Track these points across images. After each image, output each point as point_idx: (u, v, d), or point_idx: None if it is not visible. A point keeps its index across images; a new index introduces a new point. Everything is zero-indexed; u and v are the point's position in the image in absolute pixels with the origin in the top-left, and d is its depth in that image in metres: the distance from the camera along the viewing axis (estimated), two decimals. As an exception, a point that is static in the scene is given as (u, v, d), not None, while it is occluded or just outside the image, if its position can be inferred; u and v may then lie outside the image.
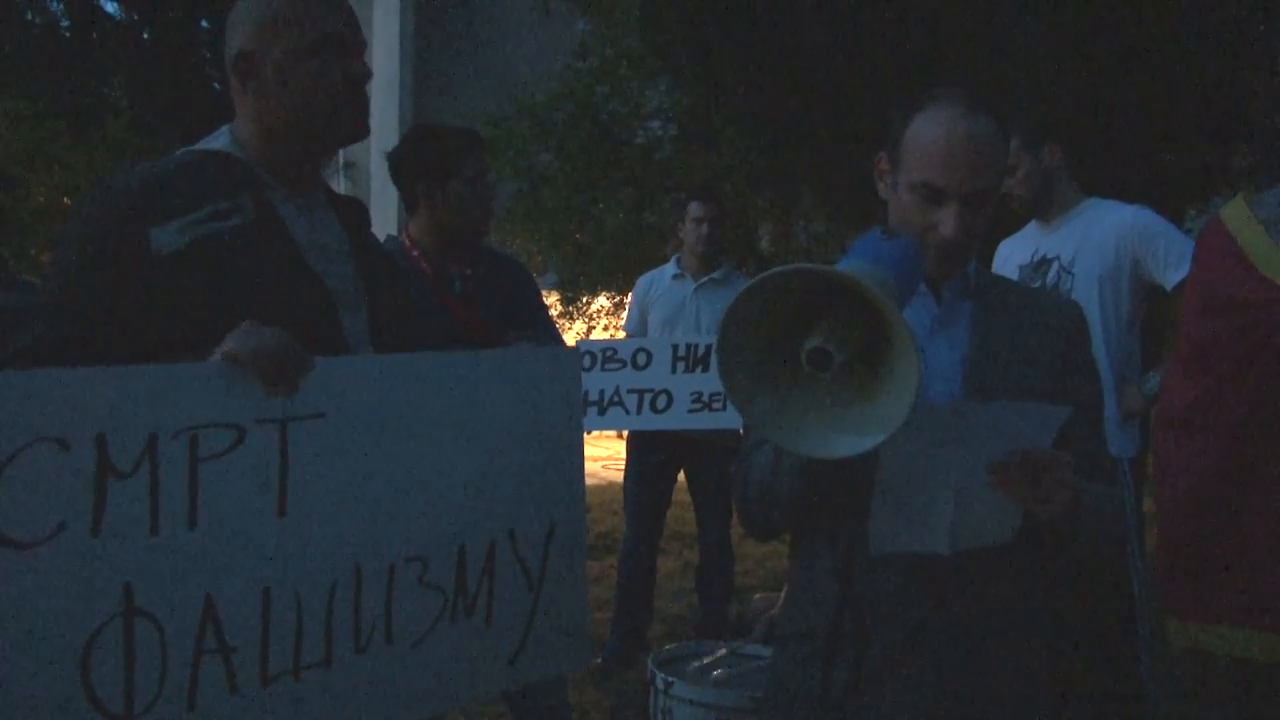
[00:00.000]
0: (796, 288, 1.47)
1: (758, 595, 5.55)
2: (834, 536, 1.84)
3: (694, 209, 5.17)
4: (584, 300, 11.24)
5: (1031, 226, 3.79)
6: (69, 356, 1.57)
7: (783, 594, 4.29)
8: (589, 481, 11.08)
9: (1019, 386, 1.82)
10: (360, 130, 1.90)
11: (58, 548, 1.33)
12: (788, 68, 6.23)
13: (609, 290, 10.73)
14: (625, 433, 5.46)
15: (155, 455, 1.40)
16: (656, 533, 5.29)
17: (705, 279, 5.14)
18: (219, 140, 1.87)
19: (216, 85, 14.68)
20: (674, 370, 4.72)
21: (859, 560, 1.80)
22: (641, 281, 5.49)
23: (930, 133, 1.78)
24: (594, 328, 11.50)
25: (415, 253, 3.23)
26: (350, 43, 1.87)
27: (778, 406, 1.53)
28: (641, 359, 4.78)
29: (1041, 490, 1.62)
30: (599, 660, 5.02)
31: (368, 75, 1.88)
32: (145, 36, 15.70)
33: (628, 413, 4.77)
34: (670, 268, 5.31)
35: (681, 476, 5.32)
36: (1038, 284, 3.59)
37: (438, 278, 3.21)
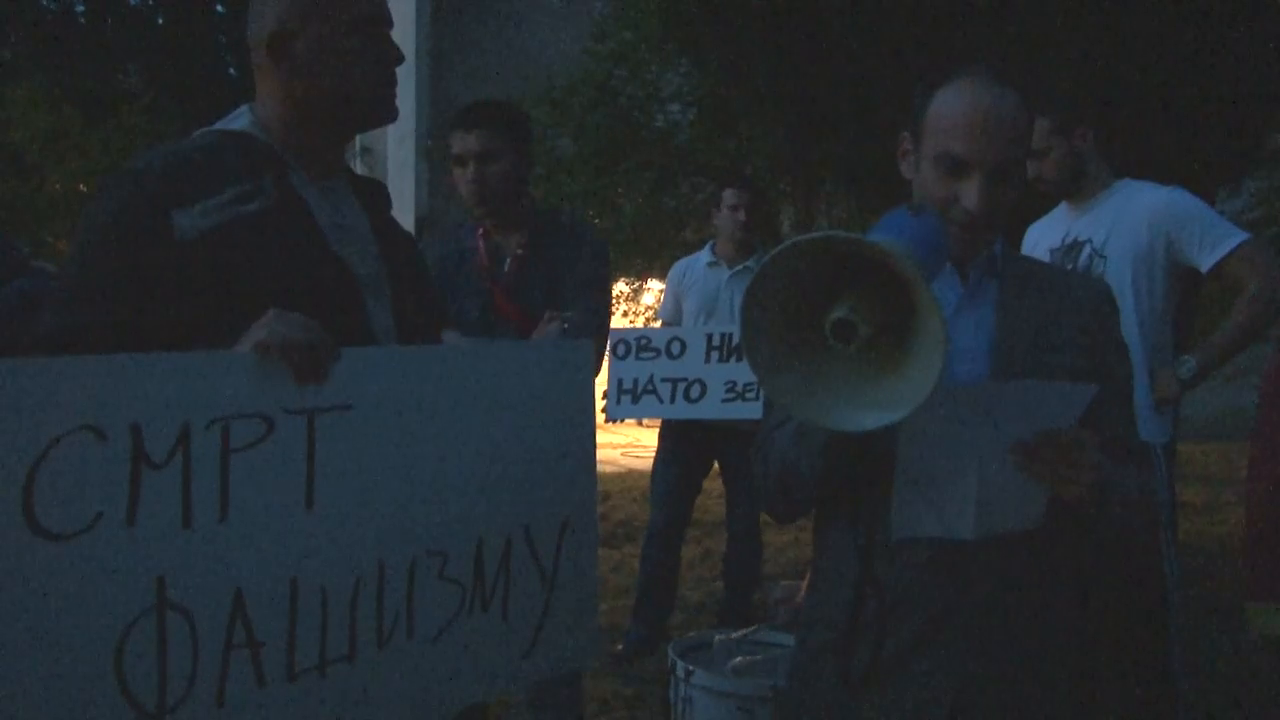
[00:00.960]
0: (821, 258, 1.45)
1: (781, 583, 5.51)
2: (855, 520, 1.81)
3: (729, 196, 5.13)
4: (603, 285, 11.22)
5: (1062, 209, 3.72)
6: (90, 342, 1.55)
7: (805, 582, 4.25)
8: (609, 469, 11.10)
9: (1046, 367, 1.79)
10: (391, 113, 1.88)
11: (94, 539, 1.31)
12: (809, 49, 6.18)
13: (628, 275, 10.72)
14: (647, 420, 5.46)
15: (188, 446, 1.38)
16: (684, 520, 5.25)
17: (739, 267, 5.11)
18: (239, 120, 1.84)
19: (232, 70, 14.72)
20: (708, 360, 4.71)
21: (880, 544, 1.77)
22: (676, 269, 5.47)
23: (952, 104, 1.76)
24: (613, 313, 11.49)
25: (480, 231, 3.26)
26: (385, 23, 1.85)
27: (801, 379, 1.50)
28: (675, 348, 4.77)
29: (1067, 470, 1.59)
30: (619, 648, 5.00)
31: (402, 58, 1.86)
32: (160, 22, 15.75)
33: (661, 401, 4.76)
34: (704, 255, 5.28)
35: (716, 465, 5.29)
36: (1069, 267, 3.52)
37: (490, 257, 3.23)
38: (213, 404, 1.41)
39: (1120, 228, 3.48)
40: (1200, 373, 3.42)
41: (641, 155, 9.64)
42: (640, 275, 11.14)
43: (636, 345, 4.81)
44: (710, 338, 4.73)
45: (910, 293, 1.40)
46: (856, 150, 6.47)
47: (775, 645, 3.25)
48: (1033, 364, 1.79)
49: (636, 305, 11.69)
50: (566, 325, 2.74)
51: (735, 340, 4.64)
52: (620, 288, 11.26)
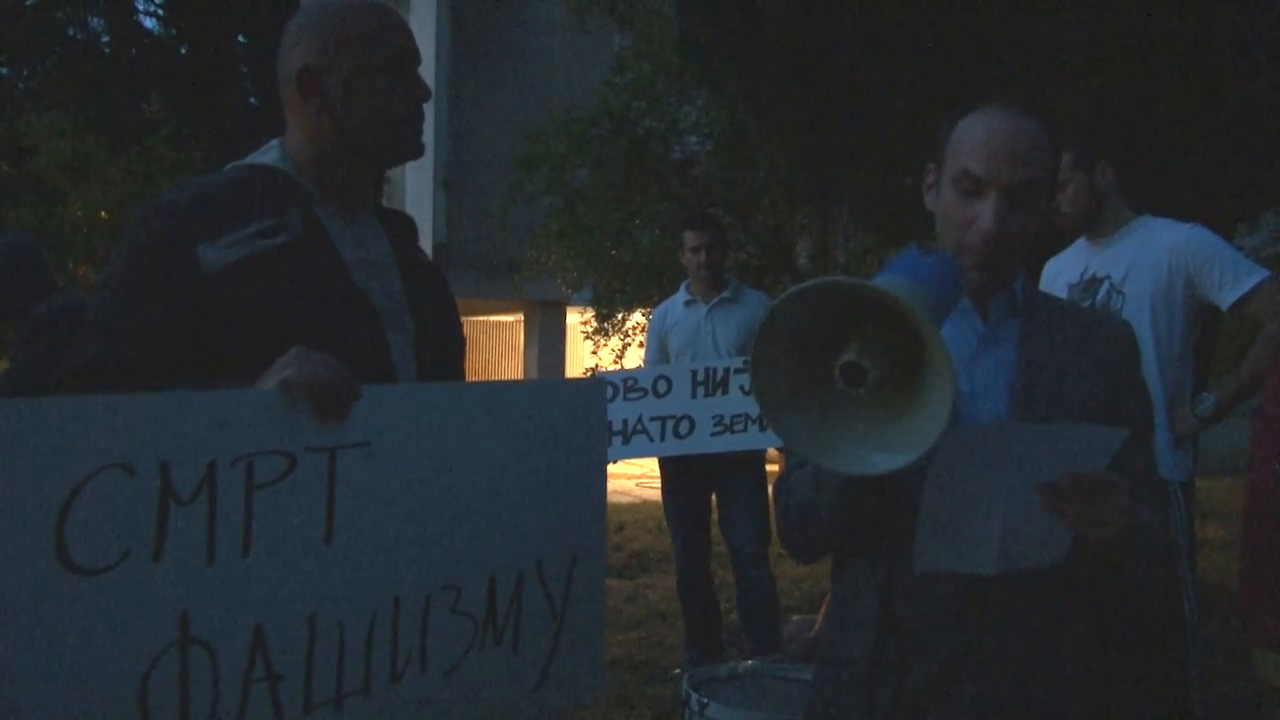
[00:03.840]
0: (830, 301, 1.44)
1: (795, 617, 5.50)
2: (875, 558, 1.80)
3: (689, 238, 5.20)
4: (620, 317, 11.24)
5: (1081, 244, 3.73)
6: (118, 375, 1.59)
7: (820, 615, 4.24)
8: (623, 499, 11.08)
9: (1067, 405, 1.78)
10: (417, 150, 1.90)
11: (123, 574, 1.32)
12: (827, 82, 6.19)
13: (645, 307, 10.73)
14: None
15: (214, 482, 1.40)
16: (704, 547, 5.26)
17: (716, 300, 5.17)
18: (268, 155, 1.86)
19: (253, 100, 14.82)
20: (694, 395, 4.80)
21: (901, 583, 1.76)
22: (656, 314, 5.56)
23: (973, 128, 1.77)
24: (629, 344, 11.48)
25: None
26: (414, 61, 1.86)
27: (811, 422, 1.50)
28: (662, 386, 4.87)
29: (1094, 513, 1.57)
30: (677, 671, 5.04)
31: (429, 95, 1.88)
32: (183, 52, 15.90)
33: (651, 440, 4.86)
34: (681, 295, 5.35)
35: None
36: (1087, 303, 3.52)
37: None
38: (238, 441, 1.43)
39: (1140, 264, 3.49)
40: (1218, 410, 3.41)
41: (659, 187, 9.68)
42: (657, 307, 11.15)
43: (624, 386, 4.90)
44: (695, 373, 4.82)
45: (919, 336, 1.40)
46: (874, 182, 6.48)
47: (788, 678, 3.24)
48: (1053, 403, 1.77)
49: (653, 337, 11.69)
50: None
51: (719, 374, 4.75)
52: (637, 319, 11.28)
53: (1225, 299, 3.38)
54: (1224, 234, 3.79)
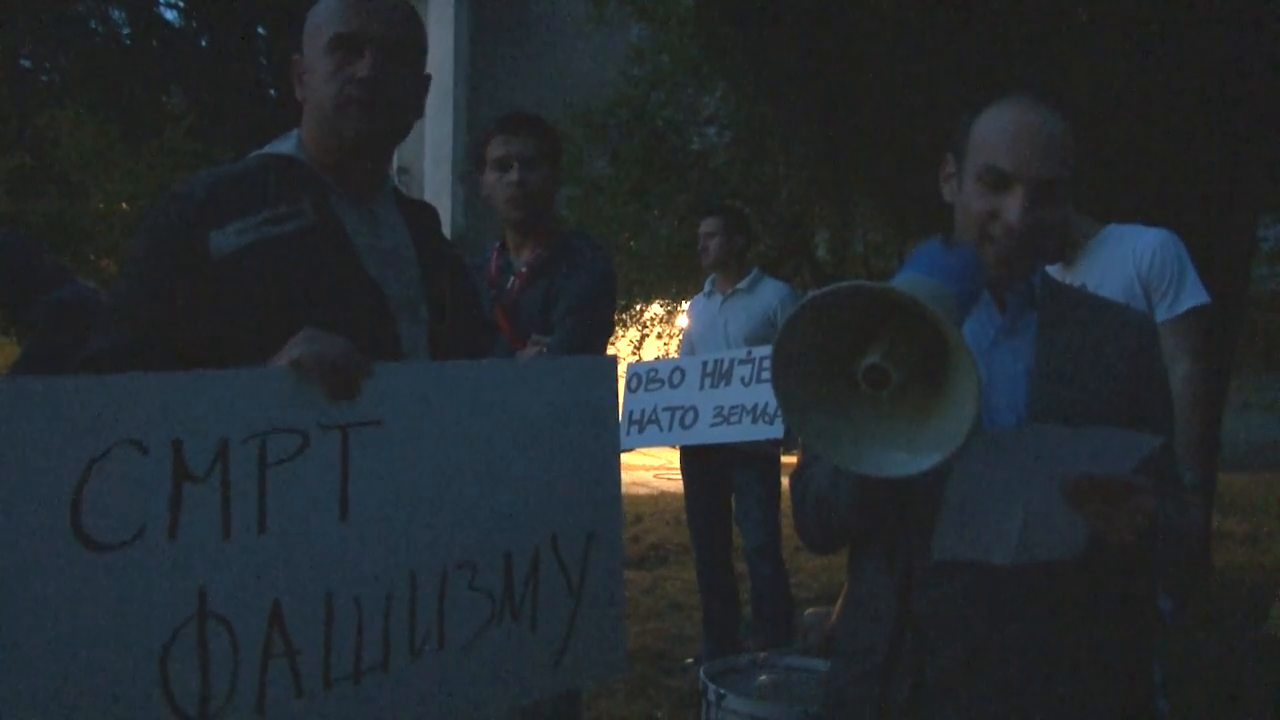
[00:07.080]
0: (853, 304, 1.44)
1: (809, 610, 5.48)
2: (892, 551, 1.80)
3: (702, 225, 5.30)
4: (638, 308, 11.24)
5: (1056, 267, 3.72)
6: (139, 361, 1.59)
7: (837, 607, 4.22)
8: (641, 491, 11.05)
9: (1085, 396, 1.77)
10: (354, 126, 1.81)
11: (139, 551, 1.34)
12: (847, 74, 6.18)
13: (663, 298, 10.73)
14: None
15: (227, 460, 1.42)
16: (722, 538, 5.26)
17: (731, 291, 5.21)
18: (286, 144, 1.88)
19: (273, 91, 14.86)
20: (701, 386, 4.86)
21: (918, 575, 1.76)
22: (689, 305, 5.66)
23: (998, 121, 1.75)
24: (647, 335, 11.48)
25: (497, 246, 3.28)
26: (361, 41, 1.80)
27: (834, 425, 1.49)
28: (676, 378, 4.97)
29: (1114, 515, 1.55)
30: (690, 661, 5.09)
31: (369, 76, 1.79)
32: (204, 44, 15.95)
33: (661, 430, 4.95)
34: (707, 285, 5.41)
35: None
36: None
37: (498, 272, 3.23)
38: (250, 419, 1.44)
39: (1109, 272, 3.45)
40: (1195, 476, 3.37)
41: (677, 178, 9.67)
42: (676, 299, 11.14)
43: (646, 378, 5.03)
44: (705, 365, 4.89)
45: (944, 339, 1.39)
46: (892, 174, 6.46)
47: (805, 670, 3.23)
48: (1071, 396, 1.76)
49: (671, 328, 11.70)
50: (544, 350, 2.70)
51: (725, 366, 4.81)
52: (655, 310, 11.28)
53: (1161, 313, 3.35)
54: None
